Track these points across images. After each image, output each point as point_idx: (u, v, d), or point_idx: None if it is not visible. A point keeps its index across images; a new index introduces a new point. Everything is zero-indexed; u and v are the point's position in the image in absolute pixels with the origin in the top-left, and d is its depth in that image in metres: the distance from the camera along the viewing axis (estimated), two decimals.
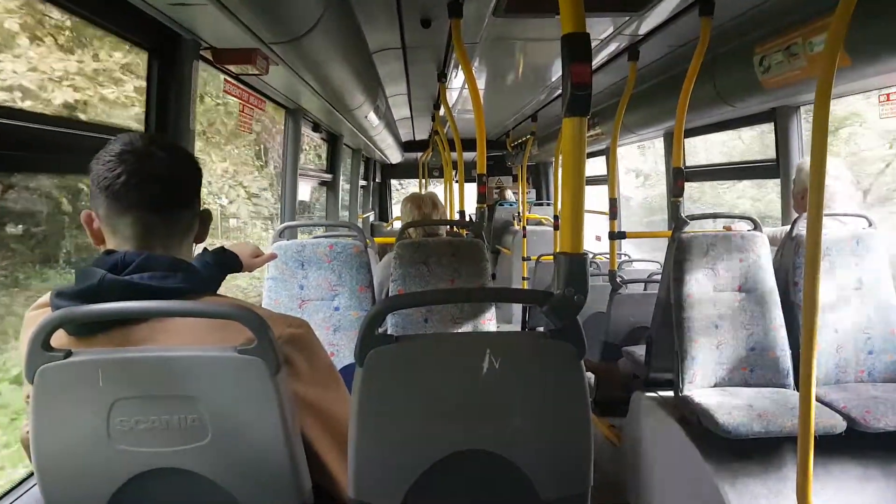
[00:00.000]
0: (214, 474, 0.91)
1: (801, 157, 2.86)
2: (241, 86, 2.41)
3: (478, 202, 2.54)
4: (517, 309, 5.69)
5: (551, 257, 4.93)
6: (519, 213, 6.54)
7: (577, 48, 0.94)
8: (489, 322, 2.26)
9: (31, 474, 1.32)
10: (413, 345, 0.98)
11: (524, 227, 5.71)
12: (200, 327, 0.96)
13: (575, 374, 0.97)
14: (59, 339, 0.91)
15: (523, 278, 5.62)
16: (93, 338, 0.94)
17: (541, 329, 1.06)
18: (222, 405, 0.90)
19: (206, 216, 1.09)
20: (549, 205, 7.39)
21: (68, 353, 0.89)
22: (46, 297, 1.01)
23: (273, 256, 1.78)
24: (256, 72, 2.10)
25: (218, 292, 1.09)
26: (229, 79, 2.28)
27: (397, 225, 7.50)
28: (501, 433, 0.97)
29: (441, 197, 2.88)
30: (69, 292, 0.94)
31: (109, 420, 0.89)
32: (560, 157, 4.37)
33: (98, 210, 0.98)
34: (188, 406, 0.90)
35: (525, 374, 0.97)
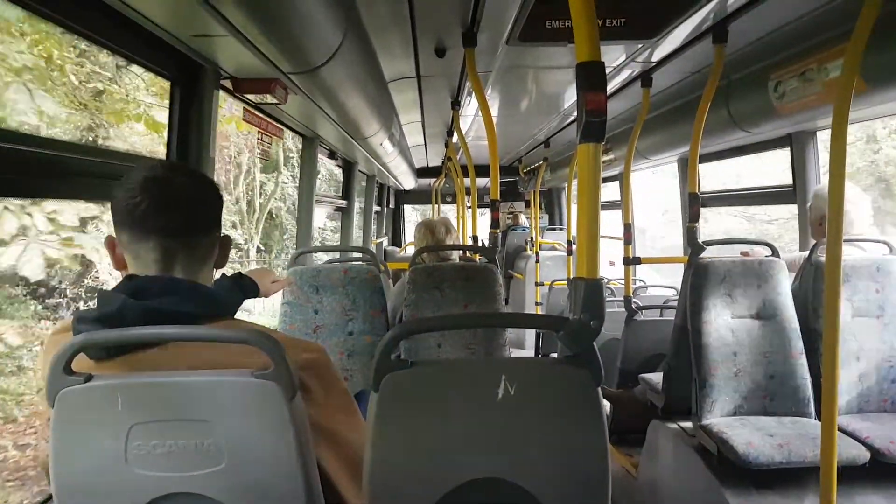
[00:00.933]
0: (229, 499, 0.91)
1: (817, 183, 2.84)
2: (260, 114, 2.46)
3: (491, 227, 2.54)
4: (530, 334, 5.65)
5: (564, 282, 4.91)
6: (532, 238, 6.54)
7: (591, 76, 0.95)
8: (503, 348, 2.24)
9: (50, 497, 1.32)
10: (429, 370, 0.98)
11: (537, 253, 5.70)
12: (218, 351, 0.97)
13: (592, 400, 0.96)
14: (80, 362, 0.92)
15: (536, 303, 5.59)
16: (112, 361, 0.95)
17: (554, 355, 1.05)
18: (238, 430, 0.91)
19: (227, 242, 1.11)
20: (561, 230, 7.38)
21: (89, 378, 0.90)
22: (68, 321, 1.02)
23: (290, 282, 1.79)
24: (275, 101, 2.14)
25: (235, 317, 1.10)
26: (248, 107, 2.33)
27: (410, 250, 7.53)
28: (517, 461, 0.96)
29: (453, 222, 2.90)
30: (90, 316, 0.96)
31: (127, 444, 0.90)
32: (574, 183, 4.40)
33: (121, 236, 1.00)
34: (204, 431, 0.90)
35: (541, 400, 0.96)
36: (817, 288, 2.20)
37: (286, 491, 0.91)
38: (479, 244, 3.17)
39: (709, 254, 2.39)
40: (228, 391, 0.90)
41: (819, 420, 2.08)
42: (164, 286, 0.98)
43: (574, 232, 5.10)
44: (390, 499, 0.96)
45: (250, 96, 2.15)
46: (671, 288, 3.97)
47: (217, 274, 1.17)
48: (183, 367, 0.95)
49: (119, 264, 1.03)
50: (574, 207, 5.53)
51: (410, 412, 0.96)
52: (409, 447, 0.96)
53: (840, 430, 1.92)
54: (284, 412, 0.89)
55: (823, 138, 2.90)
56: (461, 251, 2.82)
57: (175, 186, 1.01)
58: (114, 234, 1.02)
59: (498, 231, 2.52)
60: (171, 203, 1.00)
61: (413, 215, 11.13)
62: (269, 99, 2.14)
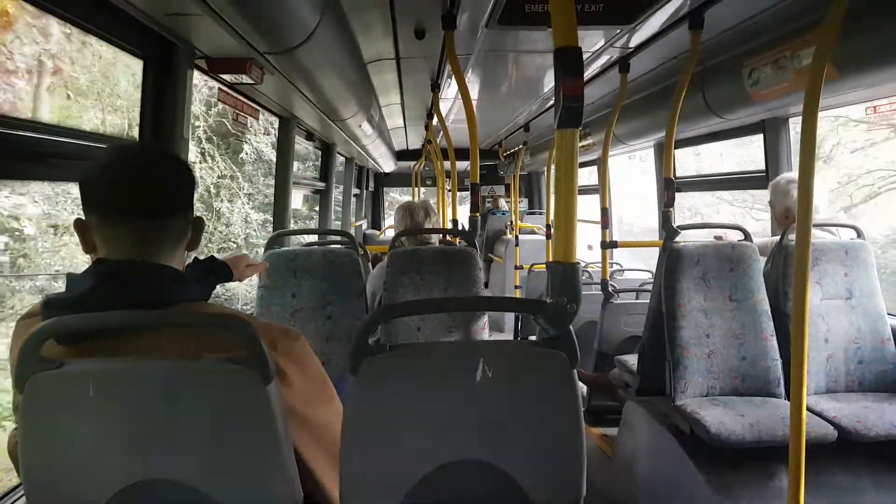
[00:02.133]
0: (205, 485, 0.91)
1: (789, 168, 2.90)
2: (235, 94, 2.42)
3: (471, 211, 2.55)
4: (509, 317, 5.69)
5: (544, 266, 4.95)
6: (511, 222, 6.57)
7: (569, 62, 0.96)
8: (482, 331, 2.26)
9: (19, 485, 1.30)
10: (407, 353, 0.98)
11: (517, 236, 5.72)
12: (193, 336, 0.96)
13: (568, 382, 0.98)
14: (50, 347, 0.90)
15: (516, 287, 5.63)
16: (83, 346, 0.93)
17: (533, 338, 1.07)
18: (213, 415, 0.90)
19: (199, 224, 1.08)
20: (541, 214, 7.42)
21: (60, 364, 0.88)
22: (37, 306, 1.00)
23: (265, 266, 1.78)
24: (251, 81, 2.10)
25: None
26: (223, 87, 2.29)
27: (390, 233, 7.50)
28: (494, 443, 0.97)
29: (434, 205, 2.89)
30: (60, 301, 0.94)
31: (99, 430, 0.89)
32: (553, 167, 4.41)
33: (90, 218, 0.98)
34: (179, 417, 0.89)
35: (518, 382, 0.97)
36: (788, 272, 2.25)
37: (263, 475, 0.91)
38: (459, 228, 3.17)
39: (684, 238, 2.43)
40: (203, 377, 0.90)
41: (789, 400, 2.14)
42: (136, 269, 0.96)
43: (553, 216, 5.12)
44: (367, 482, 0.96)
45: (225, 76, 2.11)
46: (647, 271, 4.04)
47: (190, 258, 1.15)
48: (156, 352, 0.94)
49: (88, 247, 1.01)
50: (553, 192, 5.56)
51: (388, 396, 0.96)
52: (386, 431, 0.96)
53: (809, 409, 1.98)
54: (260, 397, 0.89)
55: (795, 125, 2.95)
56: (441, 235, 2.82)
57: (147, 167, 0.99)
58: (83, 217, 1.00)
59: (478, 215, 2.52)
60: (144, 184, 0.98)
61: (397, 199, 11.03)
62: (245, 79, 2.10)
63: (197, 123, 6.46)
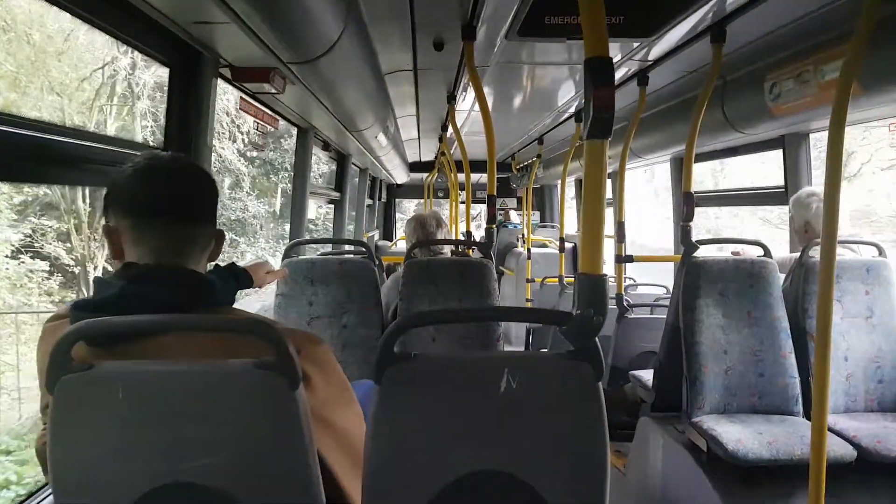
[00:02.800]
0: (230, 489, 0.91)
1: (809, 184, 2.87)
2: (256, 104, 2.44)
3: (487, 223, 2.55)
4: (519, 330, 5.66)
5: (556, 279, 4.93)
6: (523, 235, 6.55)
7: (600, 72, 0.96)
8: (497, 343, 2.25)
9: (45, 485, 1.31)
10: (431, 363, 0.98)
11: (529, 249, 5.71)
12: (220, 340, 0.96)
13: (593, 394, 0.97)
14: (79, 350, 0.91)
15: (527, 300, 5.60)
16: (113, 349, 0.94)
17: (544, 350, 1.06)
18: (240, 420, 0.90)
19: (221, 236, 1.11)
20: (553, 227, 7.40)
21: (89, 366, 0.89)
22: (64, 308, 1.01)
23: (284, 273, 1.79)
24: (273, 90, 2.12)
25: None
26: (245, 96, 2.31)
27: (401, 244, 7.51)
28: (517, 454, 0.97)
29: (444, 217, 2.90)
30: (88, 304, 0.95)
31: (128, 433, 0.89)
32: (568, 180, 4.40)
33: (122, 222, 1.00)
34: (206, 420, 0.90)
35: (543, 394, 0.96)
36: (808, 289, 2.22)
37: (288, 480, 0.91)
38: (472, 240, 3.17)
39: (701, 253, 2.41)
40: (231, 381, 0.90)
41: (807, 419, 2.11)
42: (164, 274, 0.98)
43: (566, 230, 5.11)
44: (390, 490, 0.96)
45: (248, 85, 2.14)
46: (661, 286, 4.01)
47: (210, 267, 1.17)
48: (184, 355, 0.95)
49: (117, 253, 1.02)
50: (567, 205, 5.55)
51: (412, 405, 0.96)
52: (409, 439, 0.96)
53: (828, 429, 1.95)
54: (287, 402, 0.89)
55: (815, 140, 2.93)
56: (455, 246, 2.82)
57: (180, 176, 1.02)
58: (109, 223, 1.01)
59: (494, 226, 2.52)
60: (178, 192, 1.01)
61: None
62: (267, 88, 2.12)
63: None
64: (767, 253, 2.38)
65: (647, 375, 2.80)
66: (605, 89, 0.95)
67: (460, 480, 0.96)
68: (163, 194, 1.00)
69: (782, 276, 2.39)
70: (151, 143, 1.86)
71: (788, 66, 2.27)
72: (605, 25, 0.96)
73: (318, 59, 1.86)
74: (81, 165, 1.41)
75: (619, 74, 2.93)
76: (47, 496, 1.30)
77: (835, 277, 1.39)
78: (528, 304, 5.52)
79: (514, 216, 7.93)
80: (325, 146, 4.05)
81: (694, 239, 2.42)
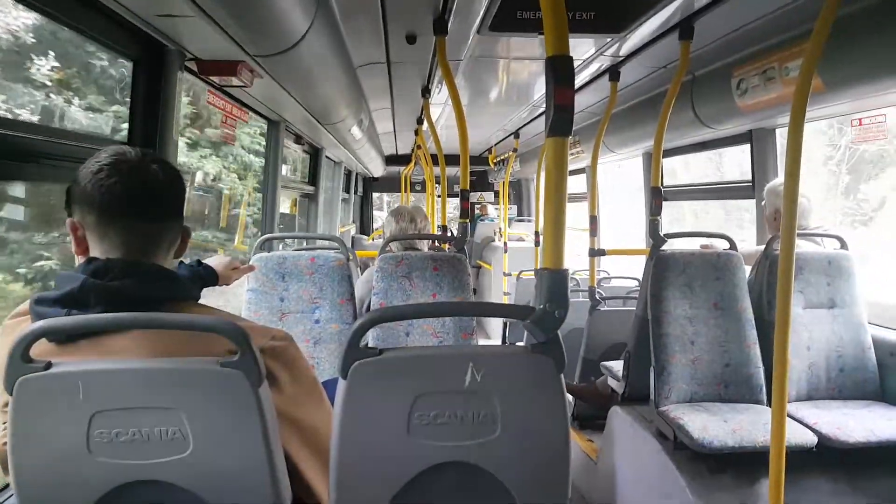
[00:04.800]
0: (195, 486, 0.91)
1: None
2: (224, 97, 2.40)
3: (461, 217, 2.55)
4: (496, 323, 5.71)
5: (532, 273, 4.97)
6: (500, 228, 6.58)
7: (561, 71, 0.96)
8: (470, 337, 2.26)
9: (6, 486, 1.28)
10: (397, 357, 0.99)
11: (506, 243, 5.74)
12: (183, 337, 0.96)
13: (555, 387, 0.99)
14: (40, 346, 0.90)
15: (504, 293, 5.64)
16: (73, 345, 0.93)
17: (520, 343, 1.07)
18: (204, 417, 0.90)
19: (187, 232, 1.10)
20: (529, 221, 7.45)
21: (48, 365, 0.88)
22: (25, 305, 0.99)
23: (251, 269, 1.77)
24: (241, 83, 2.09)
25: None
26: (212, 90, 2.28)
27: (378, 239, 7.48)
28: (483, 445, 0.98)
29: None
30: (49, 298, 0.93)
31: (89, 432, 0.88)
32: (542, 174, 4.43)
33: (86, 217, 0.98)
34: (169, 418, 0.89)
35: (506, 387, 0.98)
36: (772, 280, 2.28)
37: (253, 477, 0.91)
38: (449, 234, 3.18)
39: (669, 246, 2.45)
40: (194, 379, 0.89)
41: (771, 407, 2.16)
42: (127, 268, 0.96)
43: (542, 223, 5.15)
44: (357, 483, 0.97)
45: (215, 78, 2.10)
46: (634, 279, 4.06)
47: (174, 264, 1.16)
48: (147, 351, 0.94)
49: (81, 249, 1.00)
50: (542, 199, 5.58)
51: (378, 399, 0.96)
52: (375, 433, 0.97)
53: (790, 416, 2.00)
54: (251, 400, 0.89)
55: (782, 136, 3.00)
56: (431, 240, 2.82)
57: (147, 171, 1.00)
58: (73, 218, 1.00)
59: (467, 220, 2.53)
60: (145, 187, 0.99)
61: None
62: (235, 81, 2.09)
63: None
64: (733, 246, 2.43)
65: (618, 366, 2.84)
66: (565, 88, 0.96)
67: (426, 473, 0.98)
68: (129, 190, 0.97)
69: (748, 269, 2.44)
70: (115, 139, 1.82)
71: (755, 62, 2.31)
72: (566, 24, 0.97)
73: (287, 51, 1.84)
74: (41, 161, 1.38)
75: (590, 70, 2.95)
76: (8, 498, 1.28)
77: (797, 269, 1.43)
78: (506, 298, 5.56)
79: (491, 210, 7.96)
80: (298, 139, 4.01)
81: (663, 233, 2.47)
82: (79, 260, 1.00)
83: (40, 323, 0.88)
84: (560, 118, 0.96)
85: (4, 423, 0.99)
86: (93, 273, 0.94)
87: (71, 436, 0.88)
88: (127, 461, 0.89)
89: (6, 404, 0.89)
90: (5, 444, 0.90)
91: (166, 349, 0.95)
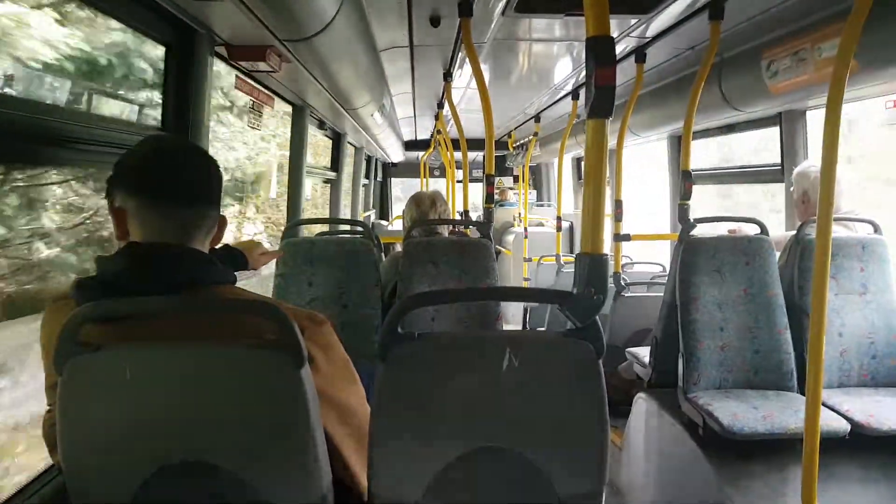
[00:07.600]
0: (238, 467, 0.92)
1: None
2: (252, 82, 2.41)
3: (485, 202, 2.55)
4: (516, 309, 5.70)
5: (553, 258, 4.95)
6: (520, 213, 6.55)
7: (601, 51, 0.95)
8: (496, 322, 2.26)
9: (52, 466, 1.32)
10: (435, 342, 0.99)
11: (526, 228, 5.71)
12: (222, 320, 0.98)
13: (593, 372, 0.99)
14: (86, 329, 0.92)
15: (524, 279, 5.62)
16: (120, 327, 0.95)
17: (541, 329, 1.07)
18: (247, 399, 0.91)
19: (224, 221, 1.12)
20: (550, 206, 7.39)
21: (97, 347, 0.90)
22: (66, 289, 1.01)
23: (279, 254, 1.79)
24: (269, 69, 2.10)
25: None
26: (240, 75, 2.29)
27: (398, 223, 7.49)
28: (520, 431, 0.99)
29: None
30: (91, 283, 0.95)
31: (136, 413, 0.90)
32: (565, 158, 4.38)
33: (128, 202, 1.00)
34: (213, 400, 0.91)
35: (544, 372, 0.98)
36: (803, 266, 2.24)
37: (295, 458, 0.93)
38: (471, 219, 3.17)
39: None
40: (237, 361, 0.91)
41: (801, 394, 2.14)
42: (168, 252, 0.99)
43: (563, 209, 5.12)
44: (395, 467, 0.98)
45: (244, 63, 2.11)
46: (658, 264, 4.03)
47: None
48: (190, 334, 0.96)
49: (122, 234, 1.03)
50: (564, 183, 5.54)
51: (416, 383, 0.97)
52: (414, 417, 0.98)
53: (822, 403, 1.98)
54: (294, 381, 0.90)
55: (812, 117, 2.93)
56: (453, 226, 2.82)
57: (188, 159, 1.03)
58: (115, 204, 1.01)
59: (492, 206, 2.52)
60: (187, 173, 1.02)
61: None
62: (263, 66, 2.10)
63: None
64: (764, 231, 2.39)
65: (643, 352, 2.83)
66: (606, 68, 0.95)
67: (463, 457, 0.98)
68: (170, 177, 1.00)
69: (778, 254, 2.41)
70: (149, 124, 1.84)
71: (786, 43, 2.26)
72: (607, 4, 0.96)
73: (315, 36, 1.84)
74: (77, 147, 1.40)
75: (617, 51, 2.90)
76: (55, 477, 1.32)
77: (830, 254, 1.40)
78: (526, 284, 5.55)
79: (511, 195, 7.91)
80: (321, 125, 4.02)
81: (692, 217, 2.44)
82: (120, 245, 1.02)
83: (89, 305, 0.90)
84: (601, 99, 0.96)
85: (51, 404, 1.02)
86: (135, 257, 0.96)
87: (118, 417, 0.91)
88: (172, 442, 0.91)
89: (54, 385, 0.92)
90: (52, 425, 0.93)
91: (209, 331, 0.97)
